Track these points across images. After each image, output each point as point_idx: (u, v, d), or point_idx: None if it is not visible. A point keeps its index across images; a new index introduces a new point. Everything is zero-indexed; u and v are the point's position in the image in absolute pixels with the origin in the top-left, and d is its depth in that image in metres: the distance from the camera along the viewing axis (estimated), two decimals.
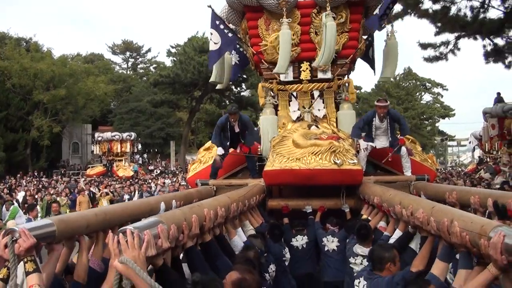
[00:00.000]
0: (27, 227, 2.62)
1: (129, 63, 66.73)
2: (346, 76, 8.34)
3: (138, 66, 66.71)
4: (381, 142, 7.67)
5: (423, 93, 58.86)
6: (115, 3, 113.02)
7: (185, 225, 3.22)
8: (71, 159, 44.80)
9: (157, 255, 2.57)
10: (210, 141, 9.08)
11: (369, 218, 6.03)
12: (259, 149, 8.05)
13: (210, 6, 7.73)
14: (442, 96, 58.25)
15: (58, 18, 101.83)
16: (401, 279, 3.55)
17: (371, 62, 9.41)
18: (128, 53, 65.86)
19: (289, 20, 7.54)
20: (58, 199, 17.71)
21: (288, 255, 5.98)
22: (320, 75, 7.97)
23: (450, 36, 18.22)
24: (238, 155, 8.07)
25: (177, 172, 36.19)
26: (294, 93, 8.08)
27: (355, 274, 4.95)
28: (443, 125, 61.40)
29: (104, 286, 2.46)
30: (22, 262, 2.58)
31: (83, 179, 29.63)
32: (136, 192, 19.88)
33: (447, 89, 58.45)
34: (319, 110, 8.05)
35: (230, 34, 7.73)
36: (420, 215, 3.71)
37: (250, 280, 2.91)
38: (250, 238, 4.79)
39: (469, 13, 17.46)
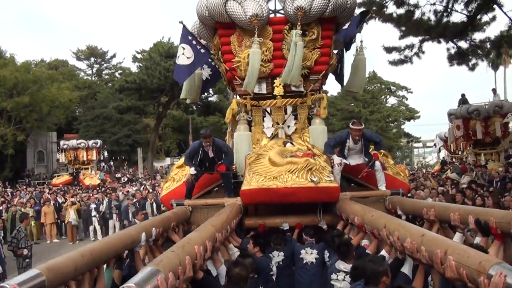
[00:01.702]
0: (16, 282, 2.57)
1: (94, 69, 65.37)
2: (319, 91, 8.36)
3: (103, 72, 65.39)
4: (355, 160, 7.72)
5: (388, 96, 59.78)
6: (78, 8, 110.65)
7: (181, 270, 3.19)
8: (36, 168, 43.58)
9: None
10: (181, 159, 8.99)
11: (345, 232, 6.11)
12: (233, 166, 7.96)
13: (181, 22, 7.71)
14: (407, 99, 59.29)
15: (20, 24, 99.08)
16: None
17: (339, 77, 9.43)
18: (92, 59, 64.50)
19: (260, 39, 7.59)
20: (23, 210, 17.33)
21: (274, 269, 6.01)
22: (294, 90, 8.01)
23: (414, 40, 18.58)
24: (213, 174, 7.94)
25: (144, 181, 35.84)
26: (268, 109, 8.09)
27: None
28: (409, 127, 62.72)
29: None
30: None
31: (48, 189, 28.89)
32: (105, 201, 19.55)
33: (411, 92, 59.46)
34: (288, 126, 8.10)
35: (202, 50, 7.69)
36: (409, 244, 3.70)
37: None
38: (239, 259, 4.73)
39: (432, 17, 17.87)
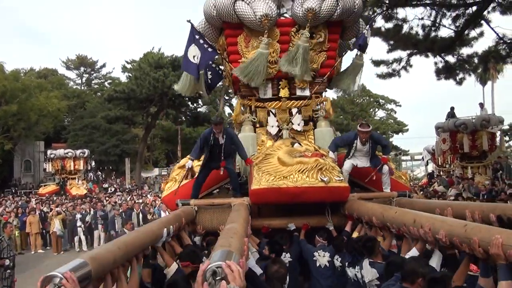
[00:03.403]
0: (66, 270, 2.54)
1: (83, 79, 65.14)
2: (324, 94, 8.47)
3: (93, 82, 65.18)
4: (362, 162, 7.70)
5: (377, 109, 60.38)
6: (69, 18, 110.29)
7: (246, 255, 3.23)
8: (23, 178, 42.96)
9: None
10: (183, 159, 8.92)
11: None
12: (237, 166, 7.97)
13: (189, 21, 7.67)
14: (395, 112, 59.90)
15: (10, 32, 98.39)
16: None
17: None
18: (82, 69, 64.39)
19: (269, 39, 7.64)
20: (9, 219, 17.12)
21: None
22: (298, 93, 8.08)
23: (402, 54, 18.71)
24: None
25: (132, 190, 35.65)
26: (273, 110, 8.12)
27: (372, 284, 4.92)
28: (397, 140, 63.07)
29: None
30: None
31: (34, 198, 28.58)
32: (91, 211, 19.41)
33: (400, 105, 60.07)
34: (298, 124, 8.09)
35: (210, 49, 7.67)
36: (455, 240, 3.71)
37: None
38: (275, 258, 4.81)
39: (420, 32, 18.07)
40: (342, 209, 6.87)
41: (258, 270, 4.21)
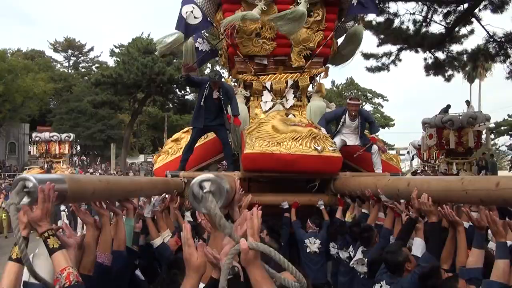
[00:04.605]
0: (39, 177, 2.26)
1: (71, 62, 64.57)
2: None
3: (80, 65, 64.56)
4: (351, 140, 7.73)
5: (364, 103, 60.71)
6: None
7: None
8: (7, 160, 42.37)
9: None
10: (177, 133, 8.95)
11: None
12: (230, 141, 7.92)
13: None
14: (382, 107, 60.31)
15: None
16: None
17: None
18: (70, 51, 63.66)
19: (265, 8, 7.58)
20: None
21: None
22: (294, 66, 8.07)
23: (392, 48, 18.77)
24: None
25: (117, 175, 35.35)
26: (268, 85, 8.10)
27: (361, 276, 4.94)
28: (383, 134, 63.60)
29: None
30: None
31: None
32: None
33: (387, 100, 60.64)
34: (287, 100, 8.07)
35: (208, 18, 7.69)
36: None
37: None
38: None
39: (411, 27, 18.18)
40: (333, 186, 6.81)
41: None
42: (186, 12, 7.54)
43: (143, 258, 4.51)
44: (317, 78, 8.45)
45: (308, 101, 8.27)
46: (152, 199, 4.96)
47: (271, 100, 8.07)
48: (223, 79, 7.76)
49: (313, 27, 7.96)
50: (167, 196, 5.30)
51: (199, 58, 8.73)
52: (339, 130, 7.73)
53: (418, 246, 4.07)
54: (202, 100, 7.29)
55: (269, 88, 8.09)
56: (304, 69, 8.06)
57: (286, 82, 8.09)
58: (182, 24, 7.59)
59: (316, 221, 6.59)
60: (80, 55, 64.63)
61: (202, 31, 8.55)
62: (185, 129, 9.04)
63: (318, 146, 6.45)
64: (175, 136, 8.84)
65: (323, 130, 7.28)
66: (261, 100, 8.13)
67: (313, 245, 6.26)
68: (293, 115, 7.70)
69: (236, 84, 8.57)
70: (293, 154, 6.35)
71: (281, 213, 6.82)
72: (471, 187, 3.33)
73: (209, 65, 37.95)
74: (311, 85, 8.36)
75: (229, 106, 7.38)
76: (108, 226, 3.35)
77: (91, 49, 64.05)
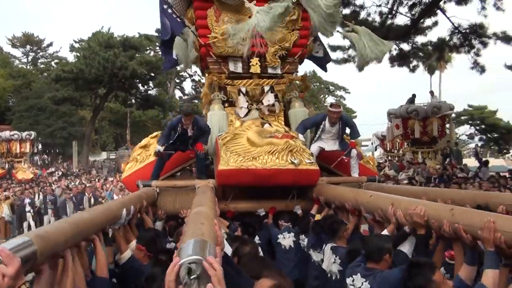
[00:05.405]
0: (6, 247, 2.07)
1: (30, 57, 62.34)
2: (295, 74, 8.25)
3: (39, 61, 62.37)
4: (330, 146, 7.60)
5: (327, 96, 61.22)
6: None
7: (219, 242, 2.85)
8: None
9: None
10: (145, 139, 8.56)
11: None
12: (204, 148, 7.71)
13: None
14: (344, 99, 60.95)
15: None
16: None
17: (320, 61, 9.33)
18: (28, 47, 61.46)
19: None
20: None
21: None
22: (270, 71, 7.81)
23: None
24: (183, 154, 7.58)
25: (80, 174, 34.54)
26: (243, 89, 7.80)
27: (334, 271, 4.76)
28: None
29: None
30: None
31: None
32: (40, 195, 18.69)
33: (349, 92, 61.44)
34: (269, 102, 7.82)
35: (178, 19, 7.28)
36: (446, 226, 3.46)
37: (286, 285, 2.61)
38: (243, 238, 4.60)
39: (378, 18, 18.33)
40: (311, 194, 6.69)
41: (229, 250, 3.97)
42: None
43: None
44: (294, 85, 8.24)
45: (285, 106, 8.08)
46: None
47: (247, 107, 7.79)
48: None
49: (288, 26, 7.71)
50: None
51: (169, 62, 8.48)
52: (318, 136, 7.60)
53: (407, 244, 3.96)
54: (174, 138, 7.18)
55: (244, 92, 7.81)
56: (281, 74, 7.87)
57: (262, 88, 7.86)
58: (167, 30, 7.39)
59: (286, 217, 6.51)
60: (39, 51, 62.45)
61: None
62: (154, 134, 8.69)
63: (295, 159, 6.28)
64: (143, 142, 8.43)
65: (301, 137, 7.18)
66: (237, 105, 7.86)
67: (287, 239, 6.13)
68: (269, 124, 7.41)
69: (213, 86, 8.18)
70: (270, 168, 6.19)
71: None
72: (460, 220, 3.33)
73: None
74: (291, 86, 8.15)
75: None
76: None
77: (50, 44, 62.10)
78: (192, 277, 1.94)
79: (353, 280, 3.82)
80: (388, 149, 30.80)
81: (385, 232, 4.26)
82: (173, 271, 1.95)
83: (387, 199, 4.57)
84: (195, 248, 2.14)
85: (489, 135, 44.61)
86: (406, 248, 3.92)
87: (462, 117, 44.37)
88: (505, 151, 45.57)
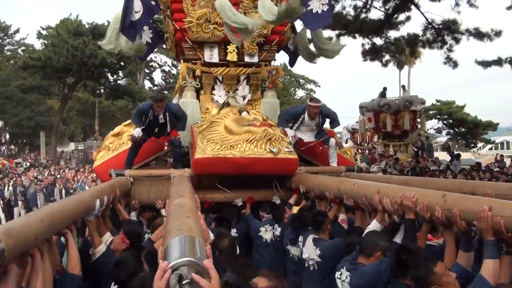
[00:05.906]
0: None
1: None
2: (273, 62, 8.11)
3: (5, 48, 60.43)
4: (308, 137, 7.52)
5: (297, 89, 61.38)
6: None
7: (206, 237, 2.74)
8: None
9: None
10: (118, 127, 8.29)
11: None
12: (177, 136, 7.50)
13: None
14: (314, 92, 61.08)
15: None
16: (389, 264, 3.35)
17: (294, 56, 9.04)
18: None
19: None
20: None
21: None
22: (246, 59, 7.64)
23: (331, 33, 18.81)
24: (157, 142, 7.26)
25: (48, 165, 33.76)
26: (220, 77, 7.63)
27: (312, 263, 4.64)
28: None
29: None
30: None
31: None
32: (10, 187, 17.99)
33: (319, 86, 61.50)
34: (243, 93, 7.70)
35: (153, 2, 6.97)
36: (439, 212, 3.36)
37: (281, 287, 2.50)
38: (219, 230, 4.45)
39: (352, 12, 18.35)
40: (289, 183, 6.58)
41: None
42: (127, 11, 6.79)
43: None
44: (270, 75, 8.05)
45: (262, 94, 7.95)
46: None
47: (224, 94, 7.65)
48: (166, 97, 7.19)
49: None
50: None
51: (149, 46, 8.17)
52: (297, 128, 7.49)
53: (400, 234, 3.91)
54: (146, 124, 6.88)
55: (220, 80, 7.64)
56: (257, 63, 7.69)
57: (238, 78, 7.71)
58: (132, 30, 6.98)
59: (267, 208, 6.35)
60: (5, 37, 60.29)
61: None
62: (127, 121, 8.38)
63: (274, 148, 6.18)
64: (116, 130, 8.13)
65: (290, 131, 7.14)
66: (213, 93, 7.69)
67: (268, 232, 6.00)
68: (247, 112, 7.25)
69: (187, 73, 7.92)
70: (248, 157, 6.07)
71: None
72: (453, 206, 3.25)
73: None
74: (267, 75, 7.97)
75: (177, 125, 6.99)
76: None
77: (17, 30, 59.90)
78: (184, 282, 1.71)
79: (340, 274, 3.81)
80: (358, 142, 31.10)
81: (374, 223, 4.18)
82: (163, 278, 1.71)
83: (372, 186, 4.49)
84: (183, 247, 1.94)
85: (456, 129, 45.40)
86: (398, 239, 3.88)
87: (431, 112, 45.01)
88: (472, 145, 46.58)
